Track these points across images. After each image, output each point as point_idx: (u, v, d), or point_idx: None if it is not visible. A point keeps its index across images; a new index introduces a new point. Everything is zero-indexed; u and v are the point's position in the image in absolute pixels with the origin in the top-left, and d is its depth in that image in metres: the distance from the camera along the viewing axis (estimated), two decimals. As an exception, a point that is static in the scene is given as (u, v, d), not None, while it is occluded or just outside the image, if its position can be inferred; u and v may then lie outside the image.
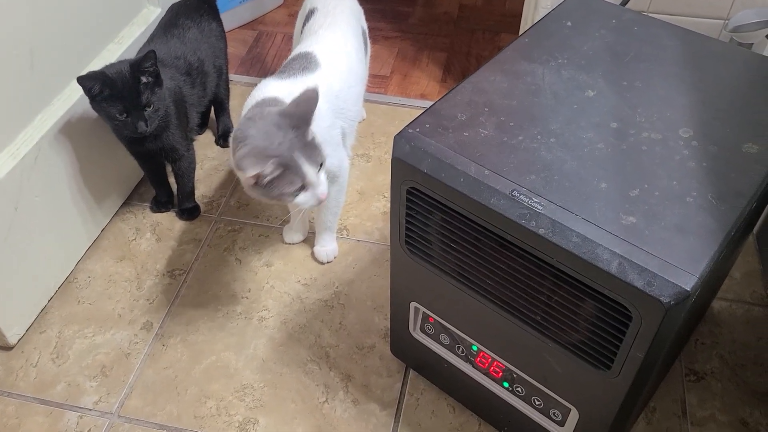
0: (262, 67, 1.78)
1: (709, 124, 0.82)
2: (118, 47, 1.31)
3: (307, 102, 0.98)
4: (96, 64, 1.23)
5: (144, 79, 1.15)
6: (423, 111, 0.87)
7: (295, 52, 1.18)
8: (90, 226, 1.32)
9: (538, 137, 0.82)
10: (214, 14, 1.44)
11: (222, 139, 1.55)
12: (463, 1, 2.02)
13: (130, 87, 1.14)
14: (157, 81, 1.18)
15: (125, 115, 1.15)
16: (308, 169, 0.98)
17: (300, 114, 0.98)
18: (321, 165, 1.01)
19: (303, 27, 1.29)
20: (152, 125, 1.18)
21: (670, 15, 1.38)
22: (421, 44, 1.86)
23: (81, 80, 1.11)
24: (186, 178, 1.36)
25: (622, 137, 0.81)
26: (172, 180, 1.39)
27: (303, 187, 0.99)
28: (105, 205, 1.36)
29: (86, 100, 1.16)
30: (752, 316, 1.20)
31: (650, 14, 1.40)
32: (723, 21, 1.37)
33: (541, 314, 0.81)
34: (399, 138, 0.84)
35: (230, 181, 1.47)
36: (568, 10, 1.02)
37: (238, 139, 0.98)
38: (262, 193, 0.99)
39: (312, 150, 0.99)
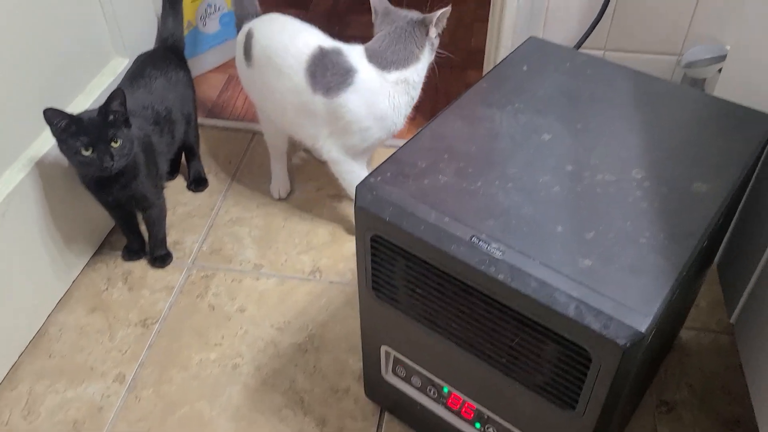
0: (233, 110, 1.80)
1: (661, 164, 0.85)
2: (86, 99, 1.32)
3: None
4: (64, 117, 1.24)
5: (111, 117, 1.16)
6: (387, 158, 0.89)
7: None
8: (61, 278, 1.32)
9: (497, 182, 0.84)
10: (182, 63, 1.46)
11: (193, 185, 1.56)
12: (430, 39, 2.06)
13: (97, 123, 1.14)
14: (126, 121, 1.18)
15: (91, 149, 1.14)
16: None
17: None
18: None
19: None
20: (119, 162, 1.16)
21: (627, 52, 1.43)
22: (389, 83, 1.89)
23: (47, 112, 1.11)
24: (157, 226, 1.36)
25: (577, 180, 0.83)
26: (143, 227, 1.40)
27: None
28: (76, 256, 1.35)
29: (55, 153, 1.16)
30: (719, 344, 1.22)
31: (607, 52, 1.45)
32: (677, 57, 1.41)
33: (506, 356, 0.82)
34: (361, 187, 0.85)
35: (203, 226, 1.47)
36: (525, 54, 1.05)
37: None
38: (436, 44, 1.27)
39: None
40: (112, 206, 1.31)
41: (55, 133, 1.14)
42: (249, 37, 1.32)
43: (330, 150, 1.32)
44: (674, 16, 1.38)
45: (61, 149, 1.16)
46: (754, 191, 1.01)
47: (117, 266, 1.39)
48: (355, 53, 1.25)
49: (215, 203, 1.53)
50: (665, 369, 1.18)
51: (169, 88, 1.39)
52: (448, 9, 1.21)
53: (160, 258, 1.39)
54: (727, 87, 1.10)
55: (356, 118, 1.25)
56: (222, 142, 1.69)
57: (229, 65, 1.96)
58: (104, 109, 1.15)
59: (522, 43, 1.08)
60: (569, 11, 1.42)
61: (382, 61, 1.23)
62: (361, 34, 1.32)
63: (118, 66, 1.43)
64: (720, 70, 1.31)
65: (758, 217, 0.99)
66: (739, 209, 1.04)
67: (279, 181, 1.53)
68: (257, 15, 1.37)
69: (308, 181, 1.58)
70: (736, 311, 1.04)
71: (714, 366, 1.19)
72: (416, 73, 1.25)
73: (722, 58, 1.31)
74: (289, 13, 2.17)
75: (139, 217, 1.39)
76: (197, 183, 1.56)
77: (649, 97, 0.96)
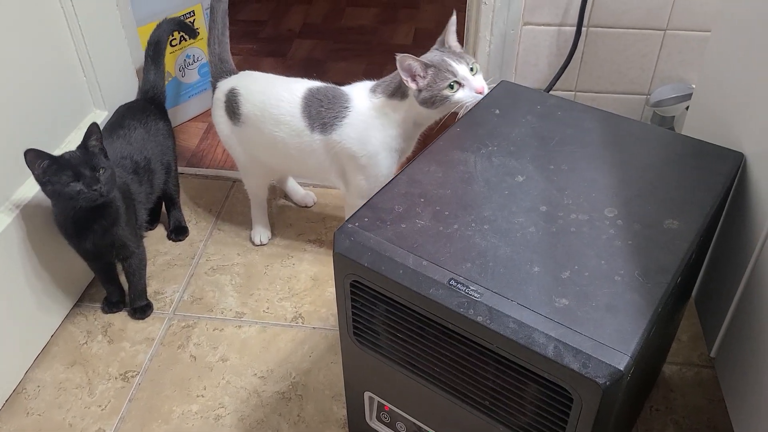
0: (213, 158, 1.81)
1: (632, 202, 0.87)
2: (65, 151, 1.33)
3: (449, 24, 1.23)
4: (42, 171, 1.24)
5: (92, 150, 1.17)
6: (364, 204, 0.89)
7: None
8: (39, 333, 1.30)
9: (473, 225, 0.85)
10: (161, 114, 1.48)
11: (174, 234, 1.55)
12: (407, 83, 2.10)
13: (79, 157, 1.15)
14: (105, 154, 1.19)
15: (78, 180, 1.14)
16: (458, 67, 1.17)
17: (441, 39, 1.24)
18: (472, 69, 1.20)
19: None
20: (106, 188, 1.17)
21: (596, 93, 1.47)
22: (368, 128, 1.92)
23: (29, 154, 1.11)
24: (137, 275, 1.35)
25: (551, 220, 0.85)
26: (123, 279, 1.38)
27: (458, 84, 1.18)
28: (54, 309, 1.33)
29: (34, 206, 1.15)
30: (702, 378, 1.22)
31: (578, 93, 1.49)
32: (645, 96, 1.45)
33: (489, 399, 0.82)
34: (339, 233, 0.86)
35: (183, 275, 1.46)
36: (496, 98, 1.08)
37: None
38: (427, 97, 1.19)
39: (460, 55, 1.20)
40: (91, 256, 1.30)
41: (37, 176, 1.14)
42: (234, 95, 1.34)
43: (346, 195, 1.36)
44: (640, 57, 1.42)
45: (46, 191, 1.16)
46: (726, 226, 1.03)
47: (97, 319, 1.38)
48: (357, 88, 1.29)
49: (196, 252, 1.52)
50: (650, 406, 1.18)
51: (149, 138, 1.40)
52: (407, 82, 1.19)
53: (141, 309, 1.37)
54: (694, 124, 1.13)
55: (351, 154, 1.27)
56: (202, 190, 1.69)
57: (208, 114, 1.97)
58: (84, 144, 1.16)
59: (494, 87, 1.11)
60: (539, 55, 1.46)
61: (376, 87, 1.27)
62: (339, 81, 1.35)
63: (97, 118, 1.43)
64: (687, 108, 1.35)
65: (731, 252, 1.00)
66: (712, 244, 1.06)
67: (259, 228, 1.53)
68: (233, 73, 1.40)
69: (288, 227, 1.58)
70: (716, 345, 1.05)
71: (698, 401, 1.19)
72: (397, 107, 1.24)
73: (688, 96, 1.35)
74: (267, 61, 2.21)
75: (119, 268, 1.38)
76: (177, 232, 1.55)
77: (619, 136, 0.98)
